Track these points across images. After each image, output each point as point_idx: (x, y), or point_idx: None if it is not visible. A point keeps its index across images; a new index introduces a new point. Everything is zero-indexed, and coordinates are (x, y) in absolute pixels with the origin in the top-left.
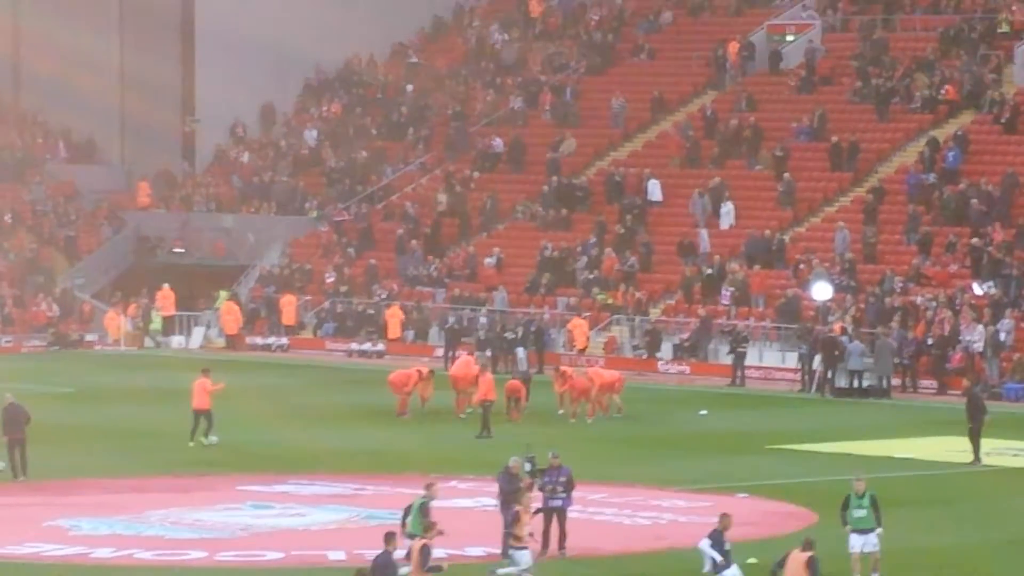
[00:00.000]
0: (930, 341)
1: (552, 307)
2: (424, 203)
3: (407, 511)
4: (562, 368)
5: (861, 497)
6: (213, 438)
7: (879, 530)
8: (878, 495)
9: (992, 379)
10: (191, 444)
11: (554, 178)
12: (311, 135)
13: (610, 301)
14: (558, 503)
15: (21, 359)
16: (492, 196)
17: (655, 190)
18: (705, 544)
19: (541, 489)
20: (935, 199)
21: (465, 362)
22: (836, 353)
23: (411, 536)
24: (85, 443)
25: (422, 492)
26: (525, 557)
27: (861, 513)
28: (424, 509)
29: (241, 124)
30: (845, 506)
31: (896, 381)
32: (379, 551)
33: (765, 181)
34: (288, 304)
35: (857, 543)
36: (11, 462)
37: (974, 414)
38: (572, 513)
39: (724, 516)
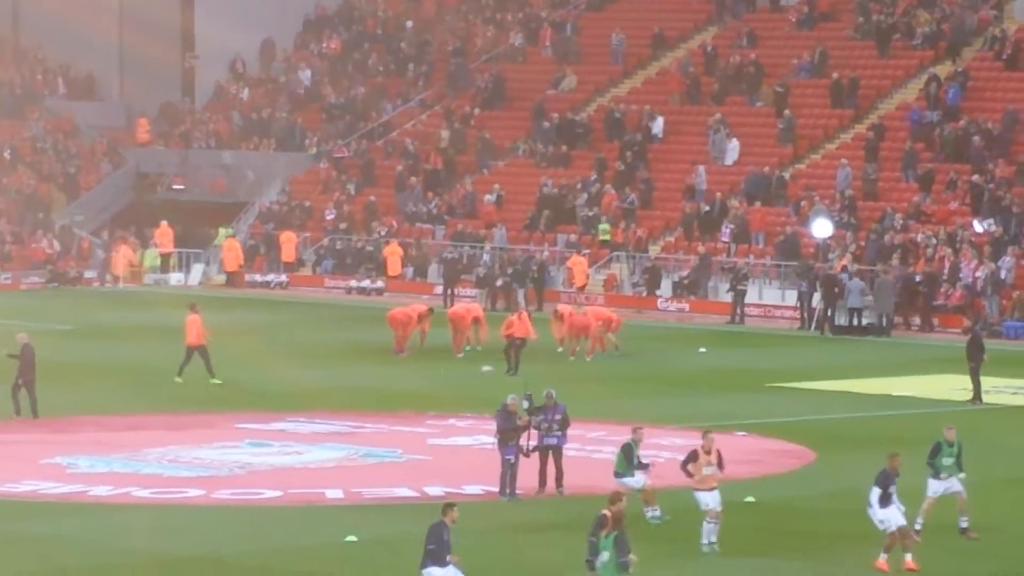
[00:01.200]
0: (918, 278)
1: (552, 244)
2: (424, 140)
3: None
4: (559, 308)
5: (952, 445)
6: (216, 380)
7: (962, 475)
8: (929, 443)
9: (992, 317)
10: (177, 379)
11: (555, 115)
12: (305, 75)
13: (607, 238)
14: (553, 441)
15: (20, 296)
16: (491, 133)
17: (658, 126)
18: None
19: (537, 427)
20: (936, 136)
21: (466, 306)
22: (836, 291)
23: (616, 475)
24: (83, 381)
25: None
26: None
27: (950, 461)
28: (627, 451)
29: (241, 60)
30: (934, 454)
31: (897, 319)
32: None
33: (766, 118)
34: (287, 241)
35: (938, 488)
36: (15, 403)
37: (974, 353)
38: (570, 451)
39: (637, 429)
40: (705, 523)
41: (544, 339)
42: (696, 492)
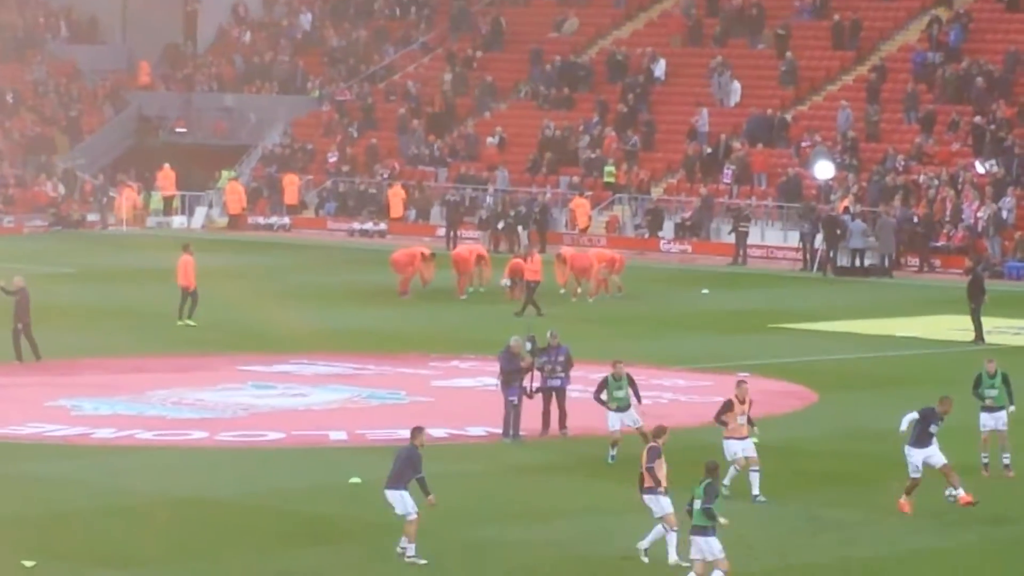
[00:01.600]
0: (915, 219)
1: (554, 187)
2: (426, 83)
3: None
4: (562, 250)
5: (993, 377)
6: (190, 322)
7: (1012, 408)
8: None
9: (994, 258)
10: (180, 323)
11: (556, 57)
12: (306, 18)
13: (612, 180)
14: (557, 382)
15: (23, 239)
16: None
17: (660, 69)
18: None
19: (540, 369)
20: (937, 78)
21: (469, 247)
22: (838, 232)
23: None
24: (87, 324)
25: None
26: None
27: (993, 392)
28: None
29: (243, 4)
30: (977, 385)
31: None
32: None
33: (767, 60)
34: (290, 184)
35: (989, 422)
36: (17, 348)
37: (975, 294)
38: (574, 393)
39: (617, 363)
40: (751, 472)
41: (547, 280)
42: (727, 441)
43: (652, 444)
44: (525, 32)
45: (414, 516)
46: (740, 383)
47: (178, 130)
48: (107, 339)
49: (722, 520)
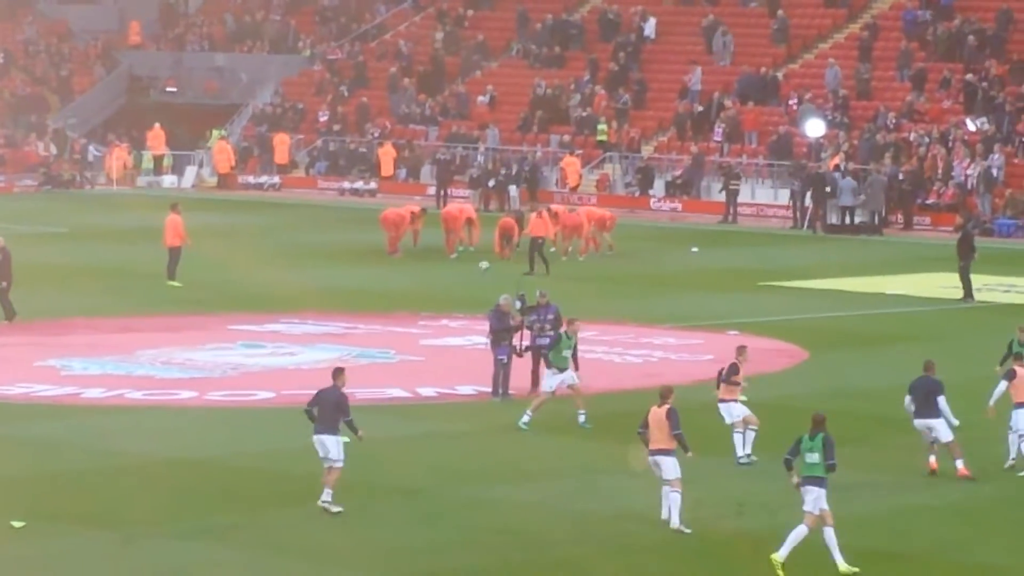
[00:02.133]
0: (900, 176)
1: (545, 145)
2: (417, 41)
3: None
4: (552, 207)
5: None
6: (175, 283)
7: None
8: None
9: (984, 215)
10: (170, 284)
11: (548, 16)
12: None
13: (604, 138)
14: (546, 341)
15: (13, 199)
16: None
17: (651, 27)
18: None
19: (529, 327)
20: (929, 35)
21: (459, 206)
22: (828, 190)
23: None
24: (76, 283)
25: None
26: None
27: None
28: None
29: None
30: (1007, 354)
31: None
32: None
33: (759, 18)
34: (281, 143)
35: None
36: (5, 307)
37: (964, 252)
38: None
39: (571, 321)
40: (736, 434)
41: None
42: (724, 404)
43: (671, 407)
44: None
45: (340, 464)
46: (742, 348)
47: (169, 89)
48: (96, 299)
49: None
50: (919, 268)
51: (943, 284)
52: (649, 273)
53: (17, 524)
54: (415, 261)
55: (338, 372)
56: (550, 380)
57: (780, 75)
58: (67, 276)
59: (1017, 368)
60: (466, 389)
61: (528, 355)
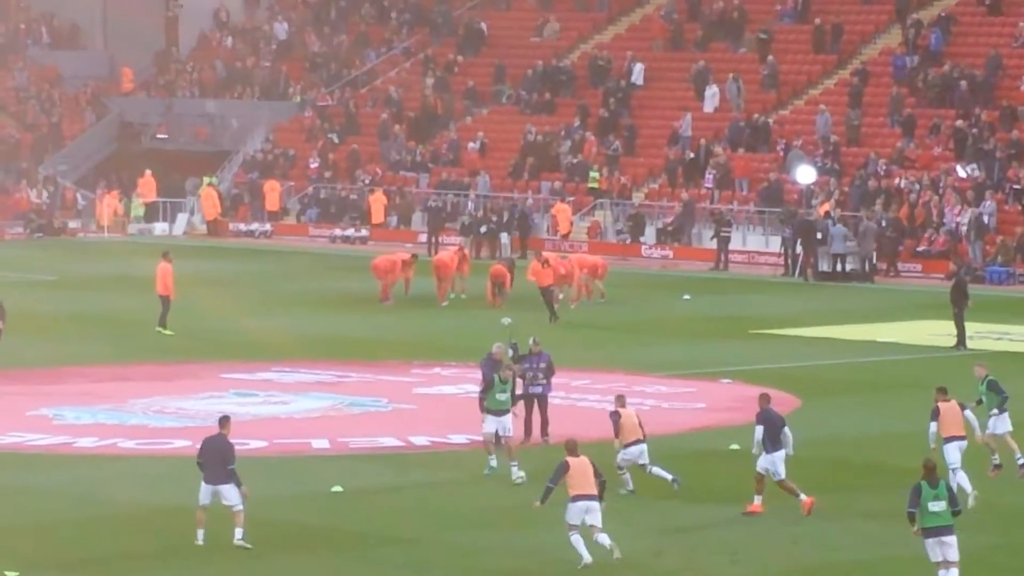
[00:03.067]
0: (883, 223)
1: (536, 192)
2: (407, 88)
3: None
4: (544, 255)
5: (981, 383)
6: (166, 331)
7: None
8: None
9: (975, 262)
10: (162, 332)
11: (538, 62)
12: (282, 27)
13: (596, 186)
14: (538, 389)
15: (3, 246)
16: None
17: (639, 73)
18: None
19: (521, 376)
20: (919, 81)
21: (450, 254)
22: (819, 237)
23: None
24: (68, 332)
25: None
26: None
27: (978, 398)
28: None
29: (225, 9)
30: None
31: (884, 265)
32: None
33: (749, 64)
34: (271, 190)
35: (995, 426)
36: None
37: (957, 299)
38: (555, 400)
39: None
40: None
41: (529, 286)
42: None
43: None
44: (506, 37)
45: (240, 508)
46: (621, 397)
47: (159, 136)
48: (89, 347)
49: None
50: (910, 316)
51: (934, 332)
52: (640, 320)
53: (11, 574)
54: (407, 309)
55: (224, 420)
56: (489, 424)
57: (771, 121)
58: (58, 324)
59: (940, 404)
60: (459, 438)
61: (520, 403)
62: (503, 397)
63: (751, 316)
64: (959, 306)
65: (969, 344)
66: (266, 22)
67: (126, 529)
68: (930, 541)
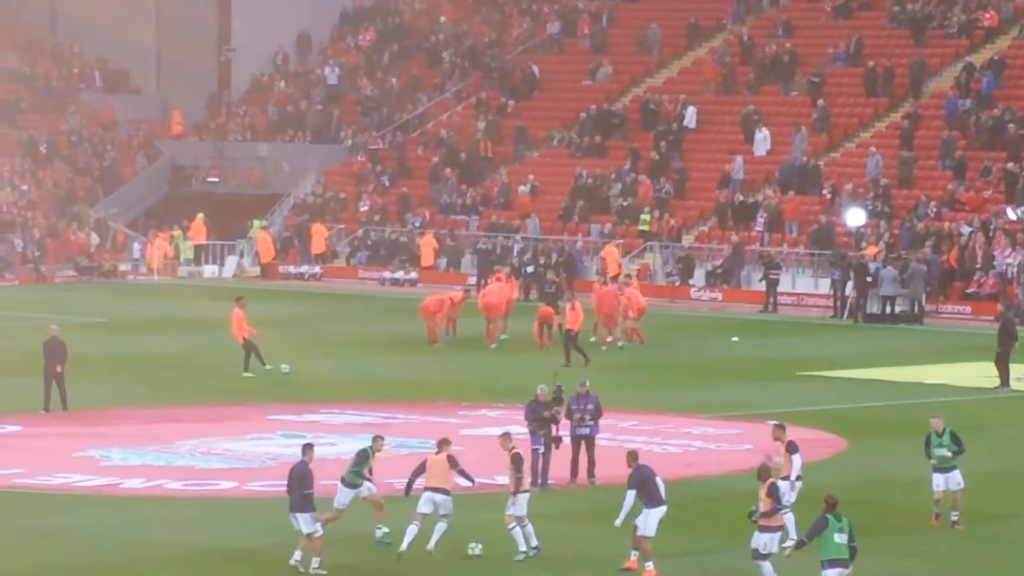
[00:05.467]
0: (913, 266)
1: (585, 234)
2: (459, 131)
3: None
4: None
5: (941, 435)
6: (248, 373)
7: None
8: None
9: None
10: (245, 375)
11: (591, 106)
12: (333, 73)
13: (646, 228)
14: (586, 431)
15: (55, 289)
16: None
17: (691, 117)
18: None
19: (569, 417)
20: (971, 124)
21: (498, 290)
22: (868, 279)
23: (342, 480)
24: (117, 374)
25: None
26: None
27: (942, 452)
28: (361, 458)
29: (283, 53)
30: (927, 444)
31: (931, 307)
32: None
33: (800, 107)
34: (318, 233)
35: (940, 482)
36: (46, 394)
37: (1004, 339)
38: (602, 441)
39: (378, 438)
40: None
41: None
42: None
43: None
44: (559, 80)
45: (319, 534)
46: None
47: (211, 179)
48: (137, 389)
49: None
50: (959, 358)
51: (982, 374)
52: (689, 362)
53: None
54: (455, 351)
55: (307, 448)
56: (341, 496)
57: (821, 164)
58: (106, 366)
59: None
60: (505, 479)
61: (568, 445)
62: (362, 470)
63: (799, 358)
64: (1005, 346)
65: (1015, 385)
66: (318, 66)
67: (173, 571)
68: (830, 572)
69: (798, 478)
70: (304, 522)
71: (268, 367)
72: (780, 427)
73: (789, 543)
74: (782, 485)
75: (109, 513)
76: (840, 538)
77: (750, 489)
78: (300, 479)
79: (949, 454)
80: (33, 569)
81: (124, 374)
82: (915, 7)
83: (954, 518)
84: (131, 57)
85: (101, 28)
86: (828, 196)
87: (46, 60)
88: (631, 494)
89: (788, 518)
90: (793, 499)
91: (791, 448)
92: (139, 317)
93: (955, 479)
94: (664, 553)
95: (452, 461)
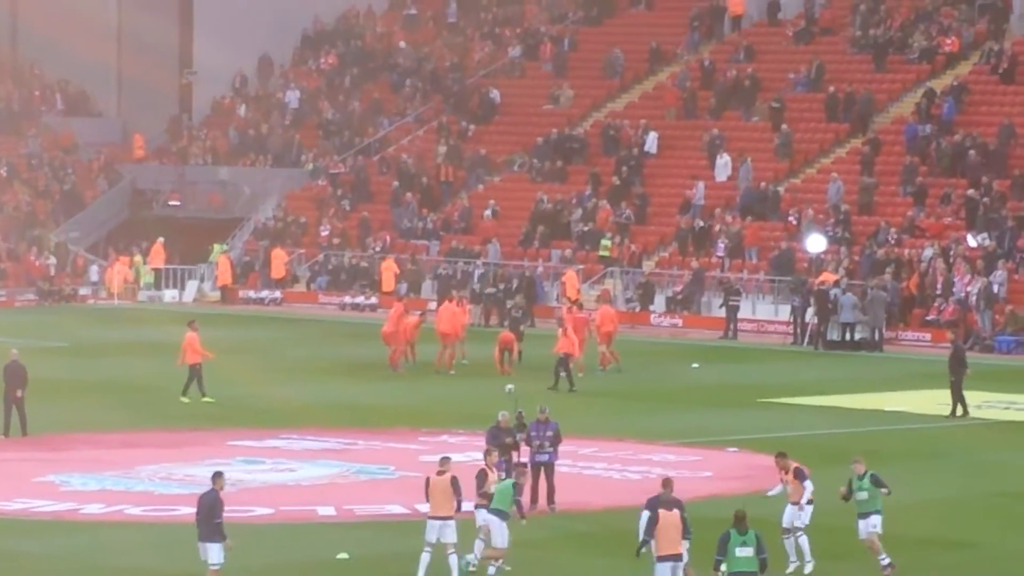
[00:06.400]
0: (869, 293)
1: (546, 259)
2: (420, 155)
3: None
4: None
5: (862, 478)
6: (208, 398)
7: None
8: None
9: (984, 331)
10: (203, 400)
11: (553, 130)
12: (293, 95)
13: (607, 254)
14: (545, 457)
15: (14, 313)
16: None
17: (652, 142)
18: None
19: (528, 444)
20: (931, 150)
21: (450, 315)
22: (828, 306)
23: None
24: (77, 398)
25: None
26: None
27: (863, 496)
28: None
29: (241, 76)
30: (849, 489)
31: (891, 334)
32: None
33: (762, 132)
34: (277, 258)
35: (863, 529)
36: (6, 419)
37: (955, 367)
38: (562, 468)
39: None
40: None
41: (538, 353)
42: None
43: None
44: (520, 105)
45: (217, 567)
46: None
47: (172, 203)
48: (97, 414)
49: None
50: (918, 385)
51: (941, 401)
52: (649, 389)
53: None
54: (415, 377)
55: (216, 476)
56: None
57: (781, 190)
58: (67, 391)
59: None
60: (466, 505)
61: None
62: (863, 496)
63: (759, 385)
64: (956, 374)
65: (976, 413)
66: (280, 89)
67: None
68: None
69: (808, 501)
70: (213, 552)
71: (207, 399)
72: (782, 456)
73: (808, 567)
74: (789, 510)
75: (69, 539)
76: (743, 551)
77: (709, 516)
78: (210, 508)
79: (867, 497)
80: None
81: (84, 399)
82: (876, 32)
83: (884, 562)
84: (92, 79)
85: (62, 49)
86: (794, 223)
87: (7, 82)
88: (646, 514)
89: (803, 541)
90: (807, 521)
91: (799, 475)
92: (100, 341)
93: (872, 523)
94: None
95: (455, 485)
